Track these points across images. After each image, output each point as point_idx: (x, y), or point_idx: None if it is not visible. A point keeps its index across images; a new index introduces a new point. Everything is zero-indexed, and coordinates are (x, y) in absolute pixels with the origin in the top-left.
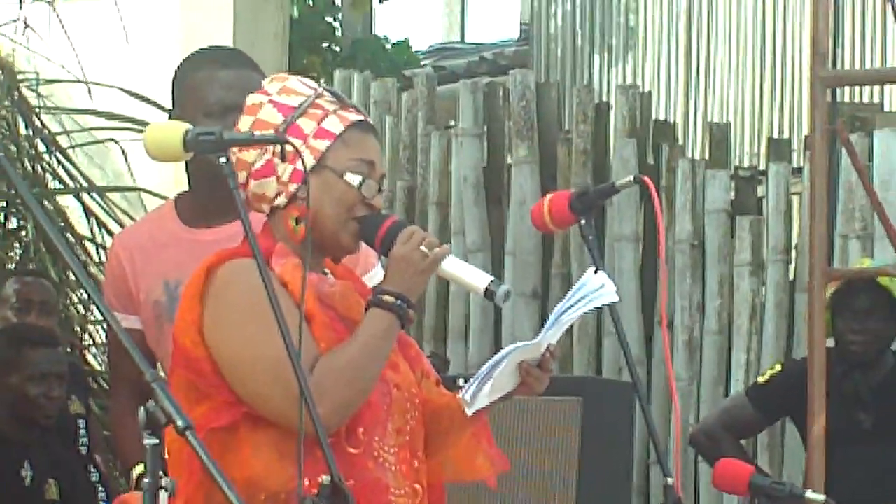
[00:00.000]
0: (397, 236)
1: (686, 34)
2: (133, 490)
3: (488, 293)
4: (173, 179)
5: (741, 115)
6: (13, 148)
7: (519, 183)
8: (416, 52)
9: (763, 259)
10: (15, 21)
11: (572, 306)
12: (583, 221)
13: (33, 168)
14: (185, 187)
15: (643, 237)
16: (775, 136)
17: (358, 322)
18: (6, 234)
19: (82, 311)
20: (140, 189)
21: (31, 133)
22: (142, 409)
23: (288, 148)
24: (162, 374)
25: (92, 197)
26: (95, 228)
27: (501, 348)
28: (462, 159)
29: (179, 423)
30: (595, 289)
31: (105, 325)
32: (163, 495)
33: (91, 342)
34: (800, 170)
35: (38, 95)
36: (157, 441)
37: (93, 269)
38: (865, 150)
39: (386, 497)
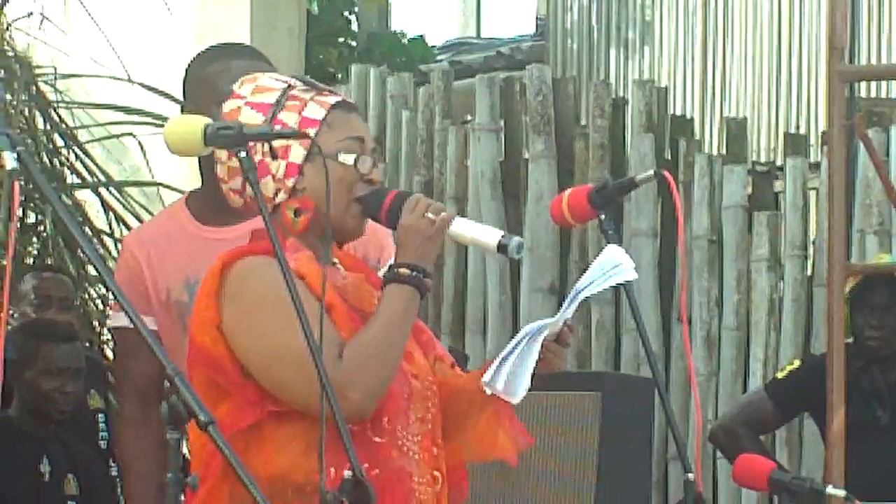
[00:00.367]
0: (402, 207)
1: (703, 28)
2: None
3: (501, 247)
4: (191, 174)
5: (758, 109)
6: (31, 142)
7: (536, 178)
8: (432, 46)
9: (780, 254)
10: (30, 15)
11: (592, 283)
12: (602, 216)
13: (51, 163)
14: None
15: (660, 232)
16: (792, 131)
17: (371, 314)
18: (25, 228)
19: (101, 306)
20: (158, 184)
21: (48, 128)
22: (164, 403)
23: (281, 143)
24: None
25: (110, 192)
26: (114, 223)
27: None
28: (479, 154)
29: (202, 417)
30: (614, 265)
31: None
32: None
33: (109, 337)
34: (817, 165)
35: (56, 90)
36: (179, 435)
37: (111, 264)
38: (883, 145)
39: (409, 485)
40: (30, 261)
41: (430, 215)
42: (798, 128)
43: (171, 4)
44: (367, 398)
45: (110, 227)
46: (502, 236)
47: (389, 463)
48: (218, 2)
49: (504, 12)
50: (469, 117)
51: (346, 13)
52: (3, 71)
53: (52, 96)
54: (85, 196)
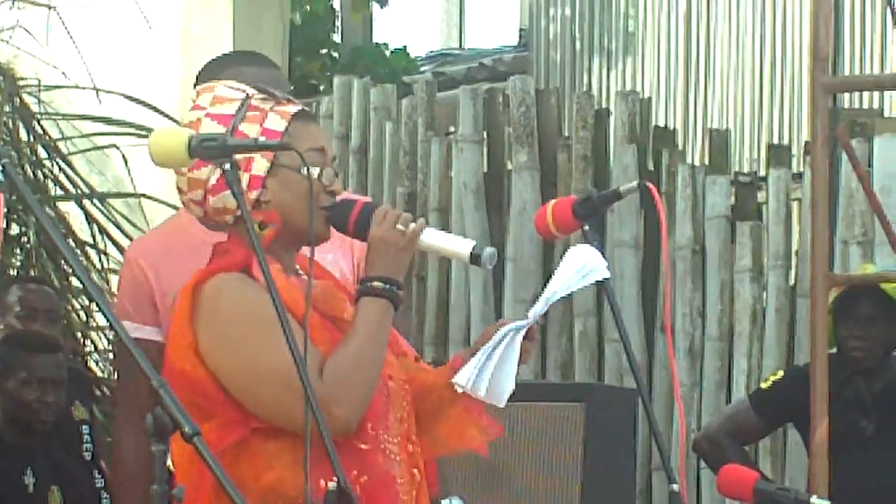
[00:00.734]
0: (370, 219)
1: (685, 39)
2: None
3: (473, 258)
4: (173, 185)
5: (741, 120)
6: (14, 154)
7: (519, 189)
8: (415, 58)
9: (763, 265)
10: (14, 28)
11: (566, 283)
12: (586, 227)
13: (35, 174)
14: None
15: (643, 243)
16: (775, 141)
17: (344, 320)
18: (8, 239)
19: (84, 317)
20: (141, 195)
21: (32, 139)
22: (149, 415)
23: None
24: None
25: (93, 203)
26: (97, 234)
27: None
28: (462, 165)
29: (187, 429)
30: (587, 265)
31: (108, 332)
32: None
33: (93, 349)
34: (800, 175)
35: (39, 101)
36: (164, 447)
37: (94, 276)
38: (865, 156)
39: (394, 488)
40: (13, 272)
41: (400, 227)
42: (781, 139)
43: (153, 16)
44: (351, 413)
45: (94, 239)
46: (474, 247)
47: (376, 468)
48: (200, 13)
49: (487, 24)
50: (452, 129)
51: (329, 25)
52: None
53: (35, 108)
54: (68, 208)
